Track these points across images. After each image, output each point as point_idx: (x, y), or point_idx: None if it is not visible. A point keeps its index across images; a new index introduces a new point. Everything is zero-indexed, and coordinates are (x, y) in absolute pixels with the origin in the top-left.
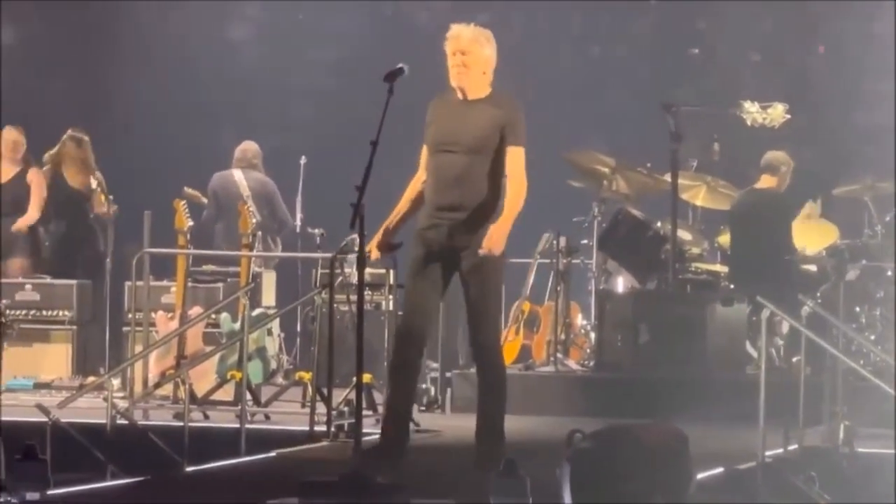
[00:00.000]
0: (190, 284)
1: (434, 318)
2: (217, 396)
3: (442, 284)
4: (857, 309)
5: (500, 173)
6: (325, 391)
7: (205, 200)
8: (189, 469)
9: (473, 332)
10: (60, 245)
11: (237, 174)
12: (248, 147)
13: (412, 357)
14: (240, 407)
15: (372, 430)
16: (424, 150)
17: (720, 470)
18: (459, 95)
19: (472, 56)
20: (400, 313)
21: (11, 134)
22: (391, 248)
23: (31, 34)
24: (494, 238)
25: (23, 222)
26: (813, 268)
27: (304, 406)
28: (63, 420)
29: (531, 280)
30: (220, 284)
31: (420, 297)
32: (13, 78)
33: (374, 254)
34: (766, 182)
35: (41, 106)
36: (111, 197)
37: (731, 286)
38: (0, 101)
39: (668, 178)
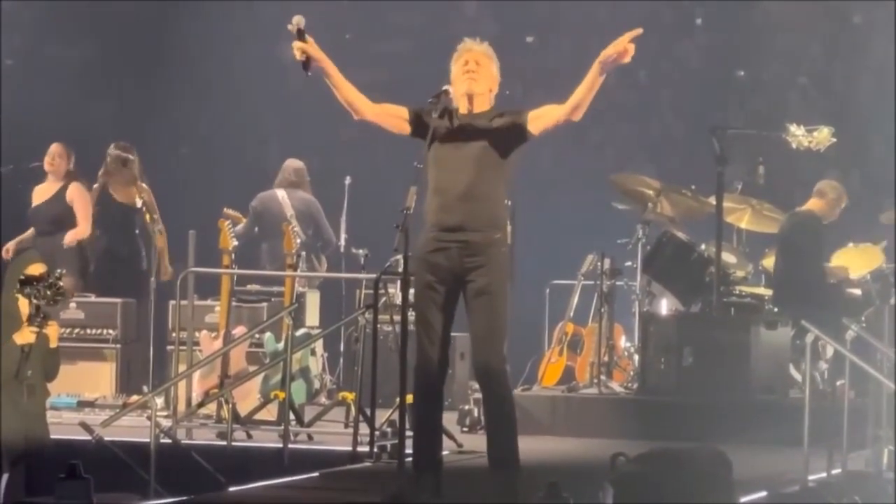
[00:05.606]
0: (234, 304)
1: (449, 343)
2: (260, 416)
3: (452, 309)
4: None
5: (504, 188)
6: (368, 411)
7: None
8: (232, 489)
9: (481, 355)
10: (105, 261)
11: (280, 194)
12: (293, 165)
13: (435, 390)
14: (283, 427)
15: None
16: (399, 108)
17: (763, 494)
18: (466, 105)
19: (483, 67)
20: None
21: (56, 149)
22: (306, 63)
23: (82, 54)
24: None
25: (73, 235)
26: (857, 291)
27: (347, 426)
28: (106, 438)
29: (575, 301)
30: (264, 304)
31: (434, 326)
32: (64, 96)
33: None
34: (810, 205)
35: (89, 124)
36: (156, 216)
37: (776, 309)
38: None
39: (713, 200)
